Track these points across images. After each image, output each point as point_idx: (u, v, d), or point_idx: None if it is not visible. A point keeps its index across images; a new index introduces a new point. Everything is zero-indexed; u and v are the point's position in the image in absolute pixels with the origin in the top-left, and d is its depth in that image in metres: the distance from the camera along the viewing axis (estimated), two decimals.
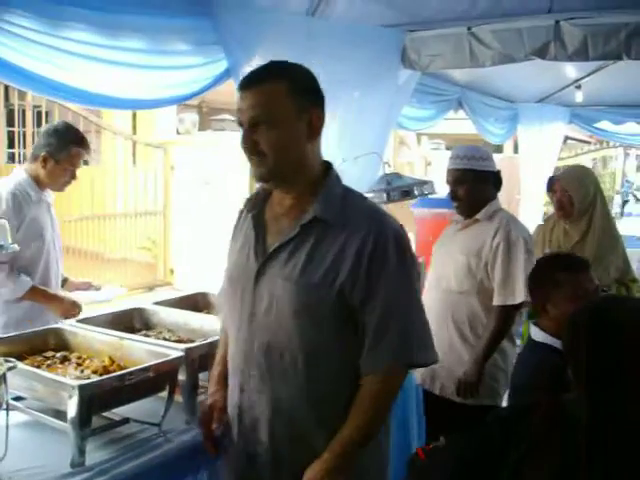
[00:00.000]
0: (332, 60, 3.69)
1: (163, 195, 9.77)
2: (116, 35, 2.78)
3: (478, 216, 3.22)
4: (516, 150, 9.90)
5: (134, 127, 11.12)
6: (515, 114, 6.97)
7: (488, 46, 3.84)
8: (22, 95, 8.25)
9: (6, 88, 8.75)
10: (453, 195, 3.24)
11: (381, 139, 4.32)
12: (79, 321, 2.59)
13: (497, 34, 3.79)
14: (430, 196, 4.14)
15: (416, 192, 3.84)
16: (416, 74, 4.38)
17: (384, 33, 4.04)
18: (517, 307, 3.11)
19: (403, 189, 3.79)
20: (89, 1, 2.63)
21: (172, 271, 9.88)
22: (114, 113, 10.16)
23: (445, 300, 3.24)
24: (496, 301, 3.11)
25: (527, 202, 7.57)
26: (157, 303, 2.90)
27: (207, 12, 3.11)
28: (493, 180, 3.25)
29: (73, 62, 2.69)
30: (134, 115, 10.94)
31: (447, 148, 19.59)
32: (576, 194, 3.74)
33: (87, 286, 3.49)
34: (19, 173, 3.26)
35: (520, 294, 3.03)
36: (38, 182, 3.27)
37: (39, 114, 9.15)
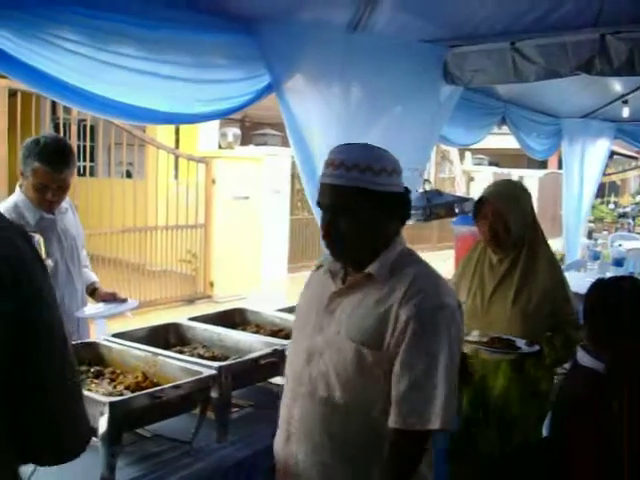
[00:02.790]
0: (372, 75, 3.67)
1: (204, 208, 9.84)
2: (160, 51, 2.80)
3: (371, 269, 1.90)
4: (561, 165, 9.76)
5: (177, 141, 11.24)
6: (559, 129, 6.85)
7: (532, 61, 3.77)
8: (68, 109, 8.39)
9: (53, 102, 8.92)
10: (327, 231, 1.90)
11: (422, 155, 4.27)
12: (114, 335, 2.59)
13: (541, 49, 3.72)
14: (471, 213, 4.08)
15: (456, 210, 3.79)
16: (458, 89, 4.33)
17: (425, 48, 4.00)
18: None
19: (443, 207, 3.74)
20: (133, 18, 2.66)
21: (212, 284, 9.92)
22: (157, 127, 10.28)
23: (321, 414, 1.92)
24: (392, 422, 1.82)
25: (570, 219, 7.42)
26: (193, 319, 2.88)
27: (249, 28, 3.13)
28: (397, 208, 1.92)
29: (118, 77, 2.72)
30: (177, 129, 11.06)
31: (490, 163, 19.43)
32: (514, 219, 2.92)
33: (112, 297, 3.42)
34: (17, 193, 3.13)
35: (438, 416, 1.78)
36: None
37: (84, 128, 9.31)
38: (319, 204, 1.92)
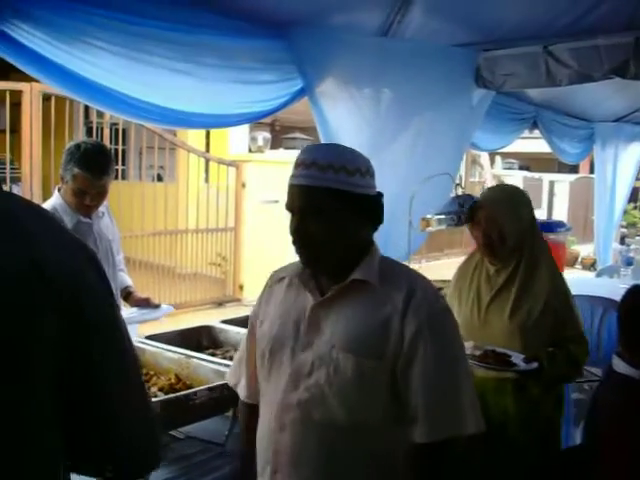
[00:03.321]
0: (404, 80, 3.68)
1: (234, 212, 9.90)
2: (194, 55, 2.85)
3: (359, 275, 1.73)
4: (592, 170, 9.66)
5: (207, 145, 11.32)
6: (591, 133, 6.79)
7: (565, 64, 3.74)
8: (101, 113, 8.49)
9: (86, 106, 9.03)
10: (297, 235, 1.74)
11: (453, 159, 4.27)
12: (148, 337, 2.62)
13: (574, 52, 3.69)
14: None
15: None
16: (490, 94, 4.32)
17: (457, 52, 4.00)
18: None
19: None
20: (168, 23, 2.70)
21: (241, 287, 9.97)
22: (188, 131, 10.36)
23: (320, 440, 1.73)
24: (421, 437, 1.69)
25: (602, 224, 7.34)
26: (225, 321, 2.91)
27: (281, 32, 3.15)
28: (370, 211, 1.78)
29: (152, 82, 2.77)
30: (207, 133, 11.14)
31: (520, 167, 19.30)
32: (510, 226, 2.67)
33: (146, 302, 3.45)
34: (55, 197, 3.18)
35: (470, 420, 1.71)
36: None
37: (116, 131, 9.42)
38: (287, 208, 1.75)
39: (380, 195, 1.78)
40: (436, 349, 1.65)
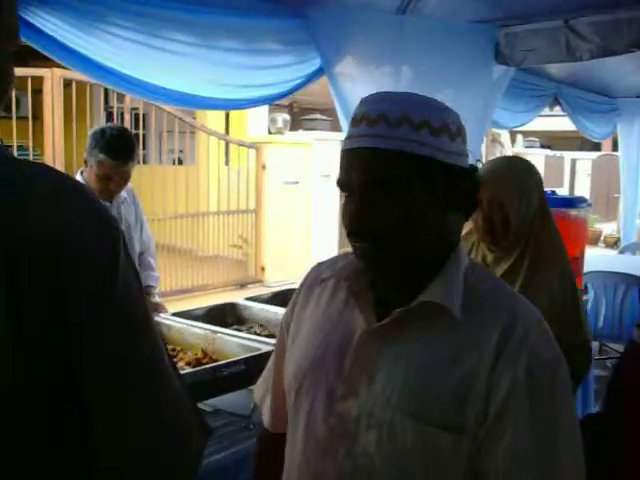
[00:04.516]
0: (423, 58, 3.67)
1: (255, 194, 9.94)
2: (209, 36, 2.86)
3: (433, 296, 1.18)
4: (615, 147, 9.56)
5: (227, 127, 11.35)
6: (615, 109, 6.73)
7: (586, 39, 3.72)
8: (121, 98, 8.54)
9: (105, 91, 9.08)
10: (357, 223, 1.20)
11: (475, 137, 4.25)
12: (174, 314, 2.68)
13: (595, 26, 3.67)
14: None
15: None
16: (510, 70, 4.30)
17: (476, 29, 3.98)
18: None
19: None
20: (184, 4, 2.72)
21: (263, 269, 10.03)
22: (207, 114, 10.40)
23: None
24: None
25: (627, 201, 7.30)
26: (249, 299, 2.96)
27: (298, 12, 3.16)
28: (464, 191, 1.22)
29: (168, 63, 2.79)
30: (227, 115, 11.17)
31: (542, 146, 19.15)
32: (516, 211, 2.24)
33: (156, 309, 3.33)
34: (78, 179, 3.17)
35: None
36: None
37: (136, 116, 9.46)
38: (341, 184, 1.21)
39: (475, 169, 1.24)
40: (534, 421, 1.13)
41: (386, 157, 1.14)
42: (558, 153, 18.69)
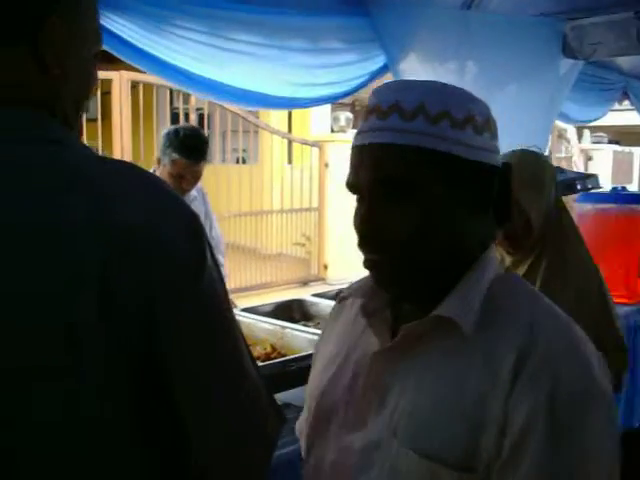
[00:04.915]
0: (487, 53, 3.65)
1: (318, 192, 9.99)
2: (275, 36, 2.90)
3: (444, 309, 1.02)
4: None
5: (289, 126, 11.43)
6: None
7: None
8: (186, 99, 8.69)
9: (171, 92, 9.26)
10: (366, 228, 1.06)
11: (542, 132, 4.21)
12: (243, 310, 2.73)
13: None
14: (594, 190, 3.99)
15: (579, 187, 3.71)
16: (578, 64, 4.23)
17: (542, 22, 3.93)
18: None
19: (565, 183, 3.67)
20: (250, 5, 2.77)
21: (326, 267, 10.07)
22: (271, 113, 10.49)
23: None
24: None
25: None
26: (315, 295, 2.99)
27: (362, 9, 3.18)
28: (491, 193, 1.06)
29: (235, 63, 2.85)
30: (290, 114, 11.25)
31: (610, 141, 18.70)
32: (536, 211, 2.05)
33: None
34: None
35: None
36: None
37: (201, 116, 9.61)
38: (350, 185, 1.11)
39: (508, 168, 1.08)
40: (556, 465, 0.92)
41: (399, 153, 1.00)
42: (627, 149, 18.22)
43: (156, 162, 3.26)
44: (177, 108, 9.28)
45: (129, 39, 2.60)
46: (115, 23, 2.54)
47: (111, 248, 0.94)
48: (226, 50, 2.83)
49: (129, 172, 1.04)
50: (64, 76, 1.05)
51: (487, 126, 1.04)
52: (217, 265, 1.05)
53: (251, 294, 8.99)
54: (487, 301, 1.03)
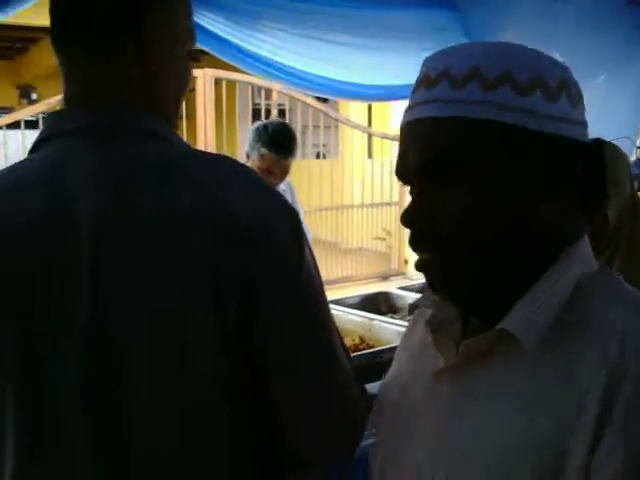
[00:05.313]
0: (576, 45, 3.57)
1: (398, 186, 9.95)
2: (364, 30, 2.94)
3: (510, 323, 0.84)
4: None
5: (369, 120, 11.44)
6: None
7: None
8: (268, 95, 8.82)
9: (252, 89, 9.40)
10: (415, 222, 0.88)
11: (632, 123, 4.10)
12: (331, 302, 2.78)
13: None
14: None
15: None
16: None
17: (633, 11, 3.83)
18: None
19: None
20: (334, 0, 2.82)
21: (406, 261, 10.04)
22: (351, 107, 10.54)
23: None
24: None
25: None
26: (401, 288, 3.02)
27: (449, 3, 3.18)
28: (573, 173, 0.86)
29: (327, 55, 2.90)
30: (369, 108, 11.26)
31: None
32: (613, 206, 1.81)
33: None
34: None
35: None
36: None
37: (282, 112, 9.74)
38: (399, 174, 0.93)
39: (598, 145, 0.90)
40: None
41: (448, 128, 0.83)
42: None
43: (245, 157, 3.34)
44: (259, 104, 9.42)
45: (222, 35, 2.69)
46: (208, 19, 2.63)
47: (218, 236, 0.99)
48: (317, 43, 2.88)
49: (231, 166, 1.10)
50: (164, 74, 1.11)
51: (564, 91, 0.85)
52: (314, 259, 1.10)
53: (332, 288, 9.05)
54: (569, 307, 0.84)
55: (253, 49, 2.81)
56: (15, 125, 6.48)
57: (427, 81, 0.87)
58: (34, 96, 13.01)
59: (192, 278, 0.99)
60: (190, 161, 1.07)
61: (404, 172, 0.91)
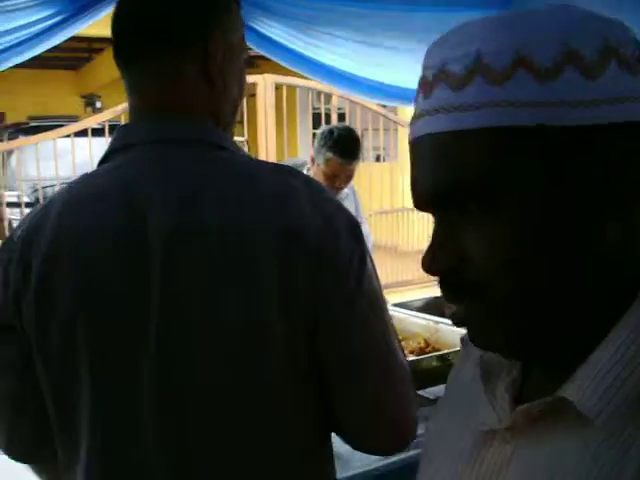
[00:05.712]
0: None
1: None
2: (417, 32, 2.94)
3: (572, 391, 0.62)
4: None
5: None
6: None
7: None
8: (327, 99, 8.86)
9: (312, 94, 9.46)
10: (437, 272, 0.68)
11: None
12: (395, 305, 2.79)
13: None
14: None
15: None
16: None
17: None
18: None
19: None
20: (391, 3, 2.82)
21: None
22: (409, 111, 10.48)
23: None
24: None
25: None
26: None
27: (502, 3, 3.15)
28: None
29: (381, 60, 2.92)
30: None
31: None
32: None
33: None
34: None
35: None
36: None
37: (342, 116, 9.76)
38: (414, 202, 0.72)
39: None
40: None
41: (458, 147, 0.63)
42: None
43: (310, 161, 3.38)
44: (319, 108, 9.48)
45: (279, 40, 2.73)
46: (266, 25, 2.67)
47: (285, 246, 1.03)
48: (373, 46, 2.90)
49: (293, 175, 1.14)
50: (225, 86, 1.17)
51: (613, 58, 0.60)
52: (373, 264, 1.15)
53: (392, 291, 9.03)
54: None
55: (308, 53, 2.85)
56: (82, 133, 6.66)
57: (425, 84, 0.67)
58: (98, 104, 13.37)
59: (262, 286, 1.03)
60: (254, 172, 1.11)
61: (417, 201, 0.71)
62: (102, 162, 1.16)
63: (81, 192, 1.14)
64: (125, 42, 1.16)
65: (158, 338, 1.04)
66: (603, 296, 0.64)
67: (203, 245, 1.04)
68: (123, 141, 1.14)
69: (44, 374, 1.11)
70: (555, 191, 0.61)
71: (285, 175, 1.13)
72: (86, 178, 1.17)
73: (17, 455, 1.26)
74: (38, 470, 1.31)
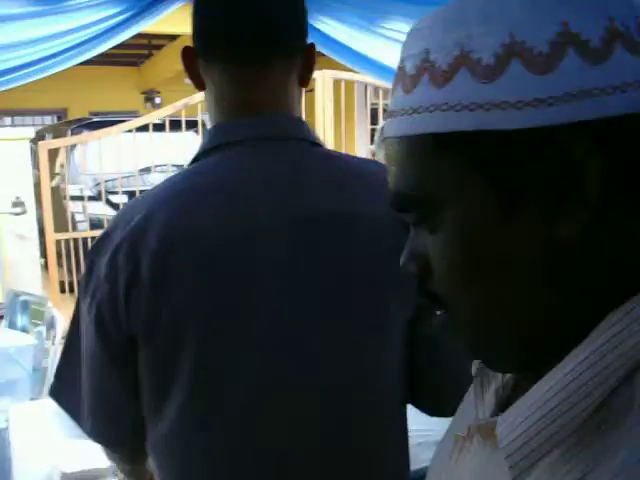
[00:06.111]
0: None
1: None
2: None
3: (511, 412, 0.58)
4: None
5: None
6: None
7: None
8: (386, 94, 8.81)
9: (369, 89, 9.42)
10: (410, 272, 0.65)
11: None
12: None
13: None
14: None
15: None
16: None
17: None
18: None
19: None
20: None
21: None
22: None
23: None
24: None
25: None
26: None
27: None
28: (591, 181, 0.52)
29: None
30: None
31: None
32: None
33: None
34: None
35: None
36: None
37: None
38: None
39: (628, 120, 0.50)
40: None
41: (401, 155, 0.59)
42: None
43: (371, 156, 3.38)
44: (376, 104, 9.43)
45: (339, 39, 2.73)
46: (327, 25, 2.68)
47: (403, 233, 1.08)
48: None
49: (373, 167, 1.25)
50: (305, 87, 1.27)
51: (571, 47, 0.50)
52: None
53: None
54: (618, 394, 0.51)
55: (364, 51, 2.85)
56: (143, 128, 6.76)
57: (402, 77, 0.59)
58: (158, 100, 13.58)
59: (382, 274, 1.12)
60: (357, 164, 1.24)
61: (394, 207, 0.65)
62: (196, 159, 1.20)
63: (187, 189, 1.15)
64: (232, 45, 1.18)
65: (278, 321, 1.11)
66: (567, 310, 0.55)
67: (326, 234, 1.11)
68: (224, 139, 1.18)
69: (147, 365, 1.13)
70: (500, 204, 0.54)
71: (384, 168, 1.19)
72: (189, 174, 1.19)
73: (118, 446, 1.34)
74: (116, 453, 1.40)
